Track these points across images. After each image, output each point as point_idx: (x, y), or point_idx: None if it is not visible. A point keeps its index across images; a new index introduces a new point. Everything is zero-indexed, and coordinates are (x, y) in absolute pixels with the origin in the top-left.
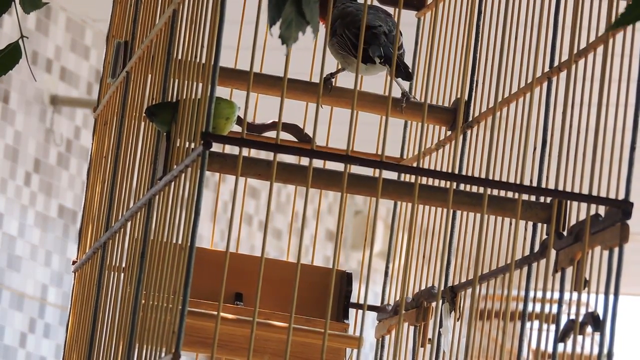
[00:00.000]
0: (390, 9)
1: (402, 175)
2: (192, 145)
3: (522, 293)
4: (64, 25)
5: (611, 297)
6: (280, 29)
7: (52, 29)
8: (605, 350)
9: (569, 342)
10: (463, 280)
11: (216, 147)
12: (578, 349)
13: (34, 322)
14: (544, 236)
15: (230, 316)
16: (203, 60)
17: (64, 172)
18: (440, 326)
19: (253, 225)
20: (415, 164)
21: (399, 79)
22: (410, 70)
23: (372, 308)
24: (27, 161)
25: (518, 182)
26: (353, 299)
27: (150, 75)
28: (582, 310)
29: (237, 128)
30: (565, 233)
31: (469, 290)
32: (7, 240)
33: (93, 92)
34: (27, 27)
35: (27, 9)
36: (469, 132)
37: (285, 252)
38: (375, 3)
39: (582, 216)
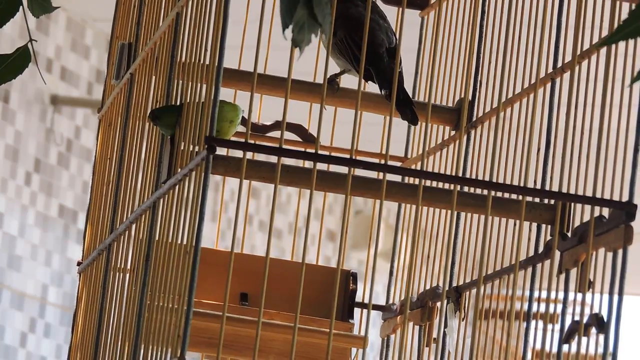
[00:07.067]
0: (393, 9)
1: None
2: (196, 149)
3: (527, 293)
4: (64, 25)
5: (615, 299)
6: (292, 32)
7: (52, 29)
8: (610, 351)
9: (573, 343)
10: (467, 280)
11: (220, 150)
12: (582, 350)
13: (34, 322)
14: (548, 237)
15: (234, 316)
16: (207, 63)
17: (65, 171)
18: (445, 326)
19: (253, 225)
20: (419, 164)
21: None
22: (416, 114)
23: (376, 307)
24: (28, 161)
25: (522, 183)
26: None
27: (154, 77)
28: (586, 311)
29: (241, 128)
30: (569, 234)
31: (474, 291)
32: (8, 240)
33: (93, 92)
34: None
35: (36, 12)
36: (472, 132)
37: (286, 251)
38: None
39: (586, 217)
